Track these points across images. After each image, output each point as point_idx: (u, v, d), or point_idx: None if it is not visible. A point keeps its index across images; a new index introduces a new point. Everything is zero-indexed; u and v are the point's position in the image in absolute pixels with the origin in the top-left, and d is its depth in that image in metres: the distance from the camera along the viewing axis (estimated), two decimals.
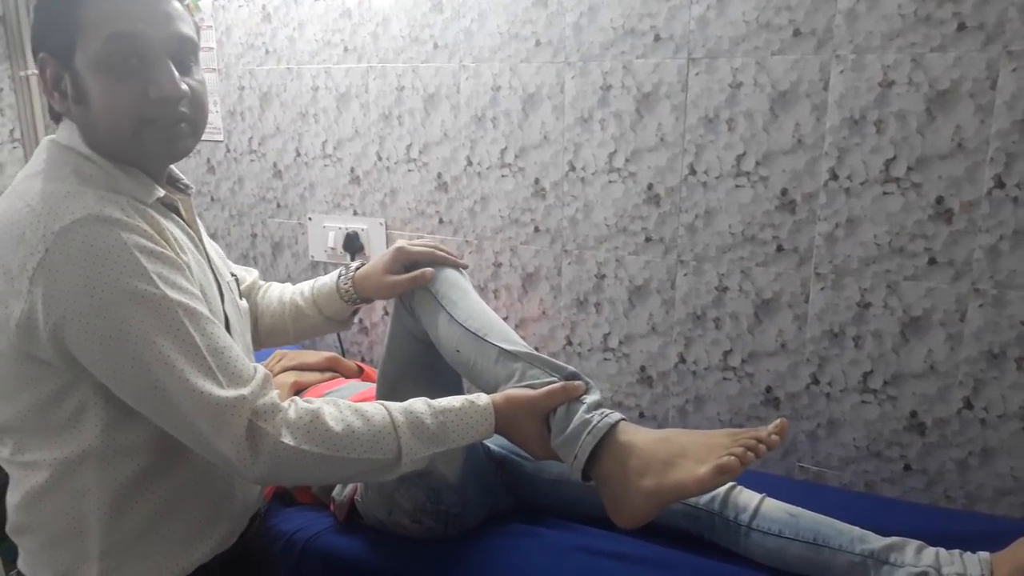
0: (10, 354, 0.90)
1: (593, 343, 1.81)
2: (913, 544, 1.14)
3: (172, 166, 1.07)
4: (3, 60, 2.74)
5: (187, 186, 1.11)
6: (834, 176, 1.48)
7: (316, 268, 2.18)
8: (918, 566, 1.10)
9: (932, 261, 1.43)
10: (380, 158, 2.01)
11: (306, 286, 1.37)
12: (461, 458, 1.29)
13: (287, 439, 0.90)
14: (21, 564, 1.02)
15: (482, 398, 1.06)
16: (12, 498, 0.99)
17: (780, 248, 1.56)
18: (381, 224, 2.04)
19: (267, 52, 2.12)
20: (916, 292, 1.46)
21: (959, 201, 1.39)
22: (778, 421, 0.99)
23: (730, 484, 1.27)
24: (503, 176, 1.84)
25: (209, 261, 1.07)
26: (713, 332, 1.66)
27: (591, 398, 1.08)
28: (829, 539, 1.17)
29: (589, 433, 1.04)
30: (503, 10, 1.75)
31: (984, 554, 1.12)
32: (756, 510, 1.22)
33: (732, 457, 0.95)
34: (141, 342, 0.86)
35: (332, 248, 2.10)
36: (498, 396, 1.08)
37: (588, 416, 1.05)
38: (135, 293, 0.86)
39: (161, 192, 0.99)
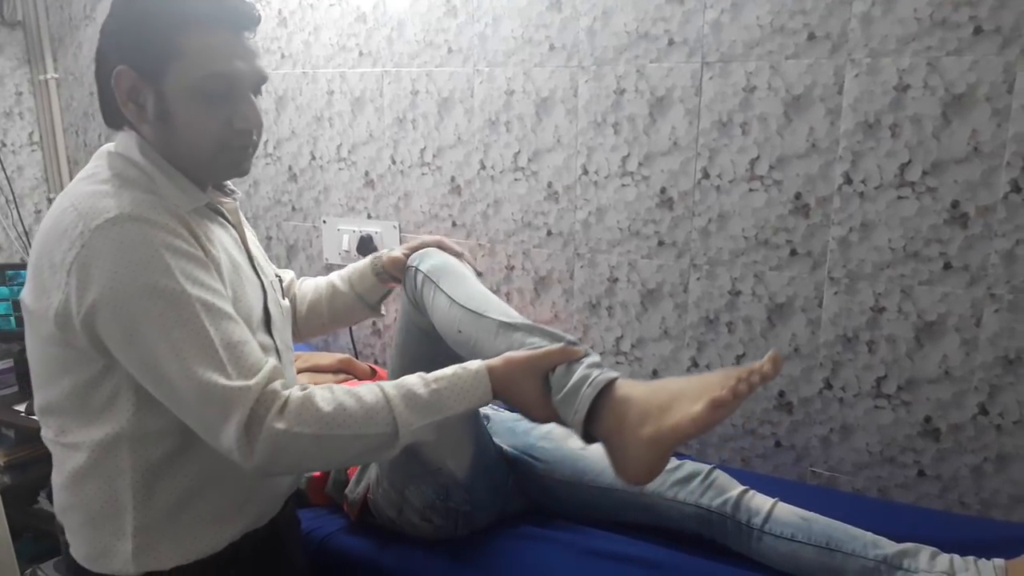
0: (52, 341, 0.98)
1: (605, 346, 1.81)
2: (927, 550, 1.14)
3: None
4: (23, 64, 2.77)
5: (232, 191, 1.20)
6: (848, 180, 1.48)
7: (330, 271, 2.18)
8: (932, 572, 1.10)
9: (947, 266, 1.43)
10: (394, 162, 2.02)
11: (342, 271, 1.46)
12: (470, 455, 1.29)
13: (280, 424, 0.93)
14: (72, 545, 1.08)
15: (475, 363, 1.06)
16: (57, 478, 1.08)
17: (794, 252, 1.55)
18: (395, 227, 2.05)
19: (283, 56, 2.14)
20: (931, 297, 1.45)
21: (974, 205, 1.39)
22: (771, 352, 0.95)
23: (743, 488, 1.27)
24: (516, 180, 1.84)
25: (253, 261, 1.15)
26: (726, 336, 1.66)
27: (590, 359, 1.06)
28: (842, 544, 1.16)
29: (588, 386, 1.02)
30: (517, 14, 1.76)
31: (999, 561, 1.11)
32: (769, 514, 1.22)
33: (725, 390, 0.93)
34: (157, 334, 0.92)
35: (346, 251, 2.11)
36: (495, 359, 1.07)
37: (587, 372, 1.04)
38: (156, 287, 0.92)
39: (204, 200, 1.07)
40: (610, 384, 1.03)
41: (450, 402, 1.02)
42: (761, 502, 1.24)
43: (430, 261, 1.29)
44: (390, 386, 1.02)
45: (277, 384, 0.96)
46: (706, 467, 1.31)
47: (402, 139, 1.99)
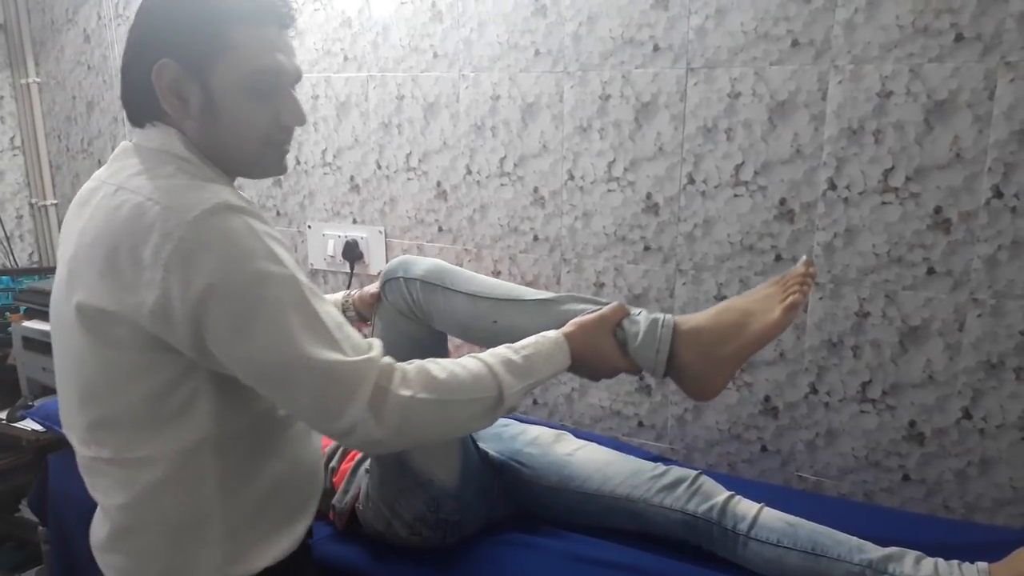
0: (130, 344, 0.92)
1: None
2: (912, 554, 1.14)
3: None
4: (4, 68, 2.75)
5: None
6: (832, 186, 1.49)
7: (315, 276, 2.18)
8: None
9: (931, 271, 1.43)
10: (380, 166, 2.01)
11: None
12: (458, 464, 1.29)
13: (405, 391, 0.94)
14: (130, 570, 1.03)
15: (551, 332, 1.11)
16: (115, 499, 1.00)
17: (778, 258, 1.56)
18: (380, 232, 2.04)
19: None
20: (915, 302, 1.46)
21: (957, 211, 1.40)
22: (803, 258, 1.17)
23: (729, 494, 1.27)
24: (502, 185, 1.84)
25: None
26: None
27: (642, 311, 1.18)
28: (827, 549, 1.17)
29: (662, 328, 1.14)
30: (503, 20, 1.76)
31: (983, 564, 1.11)
32: (754, 519, 1.22)
33: (795, 295, 1.11)
34: (273, 320, 0.89)
35: (331, 256, 2.10)
36: (567, 327, 1.13)
37: (652, 317, 1.16)
38: (267, 273, 0.89)
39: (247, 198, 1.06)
40: (675, 323, 1.15)
41: (539, 367, 1.07)
42: (747, 508, 1.24)
43: (420, 267, 1.28)
44: (486, 355, 1.04)
45: (388, 358, 0.97)
46: (692, 473, 1.31)
47: (387, 144, 1.99)
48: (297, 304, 0.90)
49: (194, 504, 0.98)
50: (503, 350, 1.06)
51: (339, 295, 1.44)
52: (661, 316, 1.16)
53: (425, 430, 1.00)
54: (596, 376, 1.17)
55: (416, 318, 1.28)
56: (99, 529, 1.06)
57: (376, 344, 0.97)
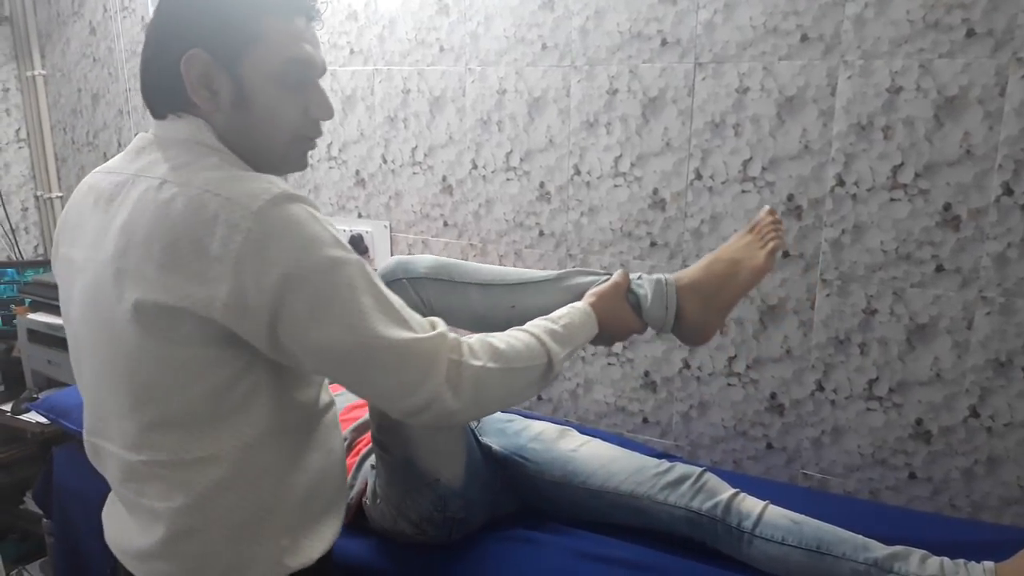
0: (195, 339, 0.90)
1: (597, 348, 1.80)
2: (917, 553, 1.13)
3: None
4: (10, 60, 2.75)
5: None
6: (841, 182, 1.48)
7: None
8: (922, 575, 1.10)
9: (939, 268, 1.42)
10: (385, 160, 2.01)
11: None
12: (463, 462, 1.28)
13: (476, 362, 0.97)
14: (188, 572, 0.99)
15: (577, 303, 1.18)
16: (169, 502, 0.96)
17: (786, 254, 1.55)
18: (386, 227, 2.04)
19: None
20: (923, 299, 1.45)
21: (967, 208, 1.39)
22: (765, 208, 1.30)
23: (733, 491, 1.26)
24: (508, 179, 1.84)
25: None
26: (718, 338, 1.65)
27: (640, 276, 1.27)
28: (832, 547, 1.16)
29: (668, 286, 1.24)
30: (509, 13, 1.75)
31: (989, 563, 1.11)
32: (759, 517, 1.21)
33: (775, 240, 1.26)
34: (348, 304, 0.89)
35: None
36: (588, 297, 1.20)
37: (653, 280, 1.25)
38: (336, 259, 0.90)
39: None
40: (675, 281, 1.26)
41: (577, 335, 1.12)
42: (751, 505, 1.24)
43: (422, 265, 1.28)
44: (529, 326, 1.08)
45: (452, 333, 0.98)
46: (697, 470, 1.30)
47: (393, 138, 1.98)
48: (367, 287, 0.91)
49: (255, 500, 0.98)
50: (542, 321, 1.10)
51: None
52: (662, 276, 1.25)
53: (494, 398, 1.02)
54: (612, 341, 1.24)
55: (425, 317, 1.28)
56: (142, 536, 1.00)
57: (439, 321, 0.99)
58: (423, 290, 1.26)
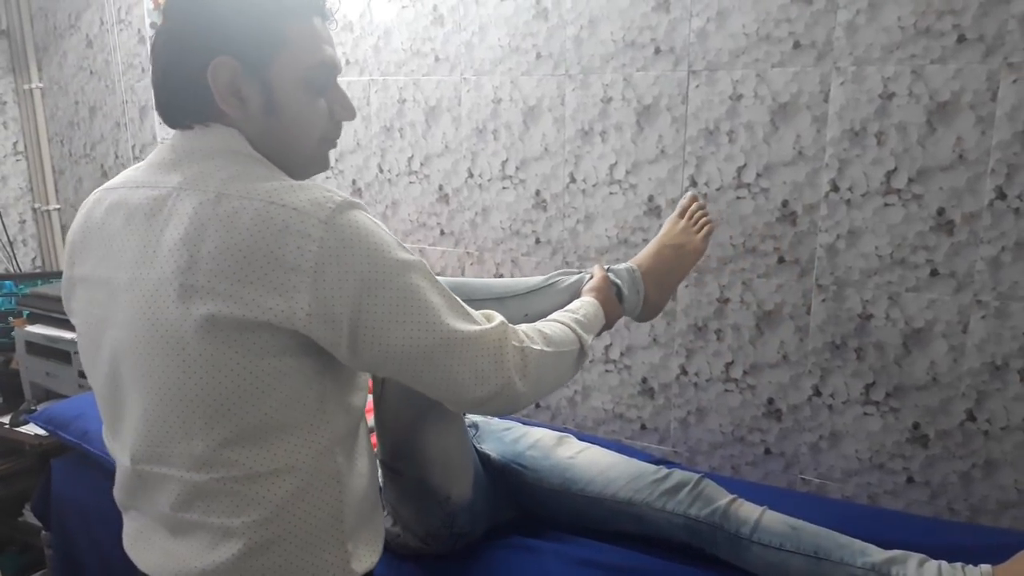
0: (270, 350, 0.90)
1: (595, 355, 1.81)
2: (915, 557, 1.14)
3: None
4: (7, 73, 2.76)
5: None
6: (835, 188, 1.48)
7: None
8: None
9: (934, 272, 1.43)
10: (382, 170, 2.01)
11: None
12: (471, 477, 1.29)
13: (536, 346, 1.03)
14: None
15: (585, 298, 1.27)
16: (242, 517, 0.93)
17: (781, 259, 1.56)
18: None
19: None
20: (918, 304, 1.45)
21: (960, 213, 1.39)
22: (688, 194, 1.53)
23: (731, 497, 1.26)
24: (504, 188, 1.84)
25: None
26: (715, 344, 1.66)
27: (607, 265, 1.41)
28: (830, 552, 1.16)
29: (635, 273, 1.40)
30: (504, 23, 1.76)
31: (987, 567, 1.11)
32: (757, 523, 1.22)
33: (709, 224, 1.49)
34: (423, 303, 0.93)
35: None
36: (588, 294, 1.30)
37: (624, 267, 1.41)
38: (403, 262, 0.92)
39: None
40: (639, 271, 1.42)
41: (593, 324, 1.22)
42: (749, 511, 1.24)
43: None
44: (555, 315, 1.17)
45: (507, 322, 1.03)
46: (695, 476, 1.30)
47: (390, 147, 1.99)
48: (433, 285, 0.95)
49: (327, 507, 0.98)
50: (565, 314, 1.18)
51: None
52: (630, 266, 1.41)
53: (550, 380, 1.08)
54: (606, 329, 1.31)
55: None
56: (207, 556, 0.95)
57: (493, 313, 1.03)
58: None
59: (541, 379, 1.03)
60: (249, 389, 0.91)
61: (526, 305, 1.33)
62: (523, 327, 1.05)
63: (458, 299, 0.98)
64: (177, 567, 0.98)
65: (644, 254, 1.44)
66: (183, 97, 0.95)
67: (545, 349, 1.04)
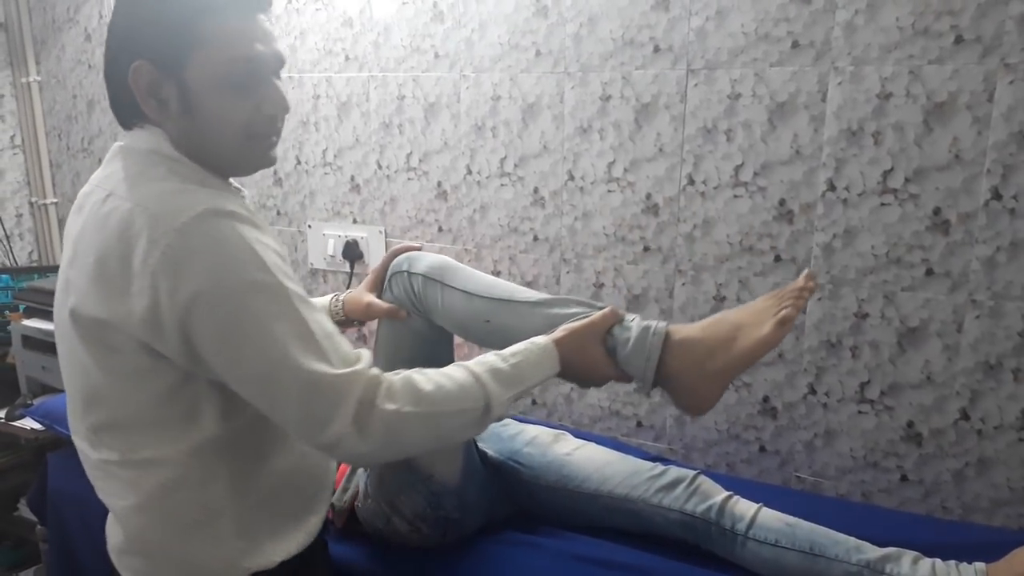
0: (128, 350, 0.92)
1: None
2: (909, 555, 1.14)
3: None
4: (4, 67, 2.75)
5: (239, 189, 1.16)
6: (832, 187, 1.49)
7: (315, 276, 2.18)
8: None
9: (929, 272, 1.44)
10: (380, 166, 2.02)
11: None
12: (460, 462, 1.29)
13: (390, 405, 0.93)
14: (148, 572, 1.04)
15: (541, 338, 1.10)
16: (127, 500, 1.00)
17: (778, 258, 1.56)
18: (381, 232, 2.04)
19: None
20: (913, 303, 1.46)
21: (956, 212, 1.40)
22: (805, 271, 1.11)
23: (727, 494, 1.27)
24: (502, 185, 1.85)
25: None
26: None
27: (635, 318, 1.15)
28: (825, 549, 1.17)
29: (653, 336, 1.11)
30: (503, 20, 1.76)
31: (980, 565, 1.12)
32: (752, 519, 1.22)
33: (788, 309, 1.07)
34: (260, 329, 0.89)
35: (331, 256, 2.10)
36: (557, 332, 1.11)
37: (644, 325, 1.12)
38: (255, 282, 0.89)
39: (245, 193, 1.06)
40: (667, 331, 1.12)
41: (528, 374, 1.05)
42: (745, 508, 1.25)
43: (424, 262, 1.29)
44: (473, 363, 1.03)
45: (375, 370, 0.96)
46: (691, 473, 1.31)
47: (388, 144, 1.99)
48: (285, 313, 0.90)
49: (205, 502, 0.99)
50: (492, 358, 1.05)
51: (326, 299, 1.41)
52: (653, 324, 1.13)
53: (411, 443, 0.99)
54: (585, 383, 1.16)
55: (419, 312, 1.29)
56: (115, 533, 1.05)
57: (365, 355, 0.96)
58: (417, 286, 1.28)
59: (394, 441, 0.95)
60: (116, 383, 0.96)
61: (491, 311, 1.22)
62: (399, 378, 0.97)
63: (320, 334, 0.92)
64: (108, 537, 1.09)
65: (698, 323, 1.15)
66: (120, 100, 1.00)
67: (404, 409, 0.94)
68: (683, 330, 1.13)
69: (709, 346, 1.10)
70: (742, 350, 1.08)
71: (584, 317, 1.14)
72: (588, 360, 1.11)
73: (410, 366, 1.22)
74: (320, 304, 1.39)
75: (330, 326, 0.95)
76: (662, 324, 1.13)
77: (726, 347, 1.09)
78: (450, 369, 1.02)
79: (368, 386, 0.92)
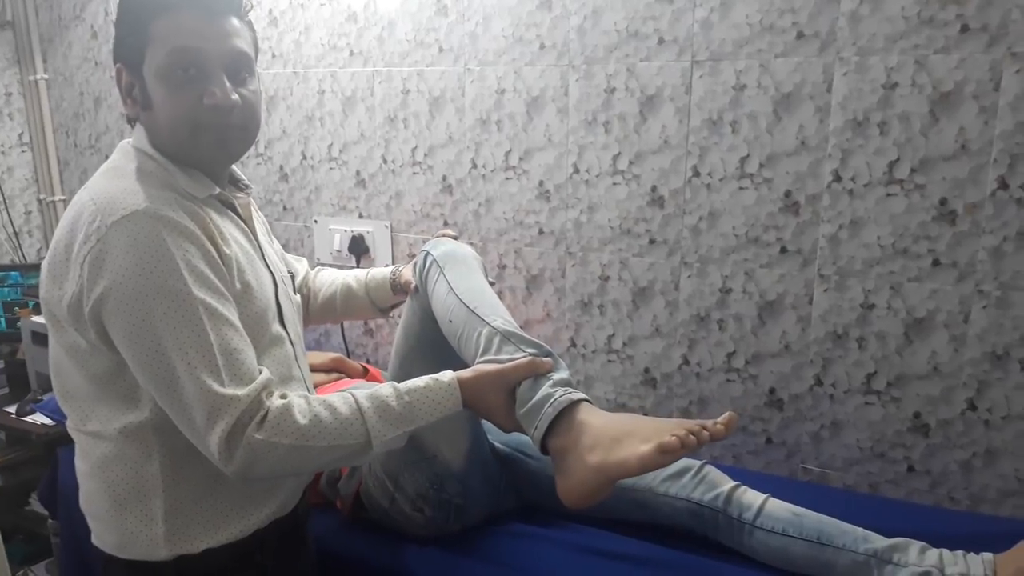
0: (71, 331, 1.01)
1: (597, 345, 1.82)
2: (917, 544, 1.14)
3: (233, 167, 1.18)
4: (12, 65, 2.76)
5: (247, 185, 1.21)
6: (838, 178, 1.49)
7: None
8: (921, 566, 1.10)
9: (936, 262, 1.43)
10: (385, 161, 2.02)
11: (360, 272, 1.52)
12: (465, 447, 1.30)
13: (258, 435, 0.96)
14: (94, 536, 1.12)
15: (447, 374, 1.10)
16: (82, 465, 1.10)
17: (784, 250, 1.56)
18: (386, 227, 2.05)
19: (273, 56, 2.14)
20: (920, 293, 1.46)
21: (963, 203, 1.40)
22: (727, 414, 1.01)
23: (734, 483, 1.27)
24: (508, 179, 1.85)
25: (263, 256, 1.17)
26: (717, 334, 1.66)
27: (558, 375, 1.12)
28: (833, 538, 1.17)
29: (550, 405, 1.08)
30: (507, 14, 1.76)
31: (988, 555, 1.12)
32: (760, 509, 1.23)
33: (674, 438, 0.99)
34: (161, 333, 0.94)
35: (338, 250, 2.11)
36: (466, 371, 1.12)
37: (552, 390, 1.09)
38: (163, 287, 0.94)
39: (216, 190, 1.08)
40: (572, 405, 1.08)
41: (422, 413, 1.06)
42: (753, 497, 1.25)
43: (443, 247, 1.33)
44: (364, 398, 1.04)
45: (263, 396, 0.98)
46: (697, 462, 1.31)
47: (393, 138, 1.99)
48: (188, 322, 0.95)
49: (138, 480, 1.04)
50: (387, 391, 1.06)
51: (387, 270, 1.49)
52: (559, 394, 1.08)
53: (277, 471, 1.01)
54: (492, 423, 1.16)
55: (424, 291, 1.32)
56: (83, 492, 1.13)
57: (261, 378, 0.99)
58: (427, 267, 1.32)
59: (257, 468, 0.97)
60: (67, 358, 1.04)
61: (456, 315, 1.21)
62: (278, 404, 0.98)
63: (220, 350, 0.95)
64: None
65: (610, 413, 1.10)
66: (123, 100, 1.08)
67: (273, 440, 0.96)
68: (588, 413, 1.08)
69: (596, 438, 1.05)
70: (619, 457, 1.02)
71: (513, 357, 1.12)
72: (490, 406, 1.12)
73: (417, 341, 1.28)
74: (380, 275, 1.48)
75: (235, 343, 0.98)
76: (568, 398, 1.08)
77: (608, 447, 1.03)
78: (339, 400, 1.03)
79: (247, 410, 0.95)
